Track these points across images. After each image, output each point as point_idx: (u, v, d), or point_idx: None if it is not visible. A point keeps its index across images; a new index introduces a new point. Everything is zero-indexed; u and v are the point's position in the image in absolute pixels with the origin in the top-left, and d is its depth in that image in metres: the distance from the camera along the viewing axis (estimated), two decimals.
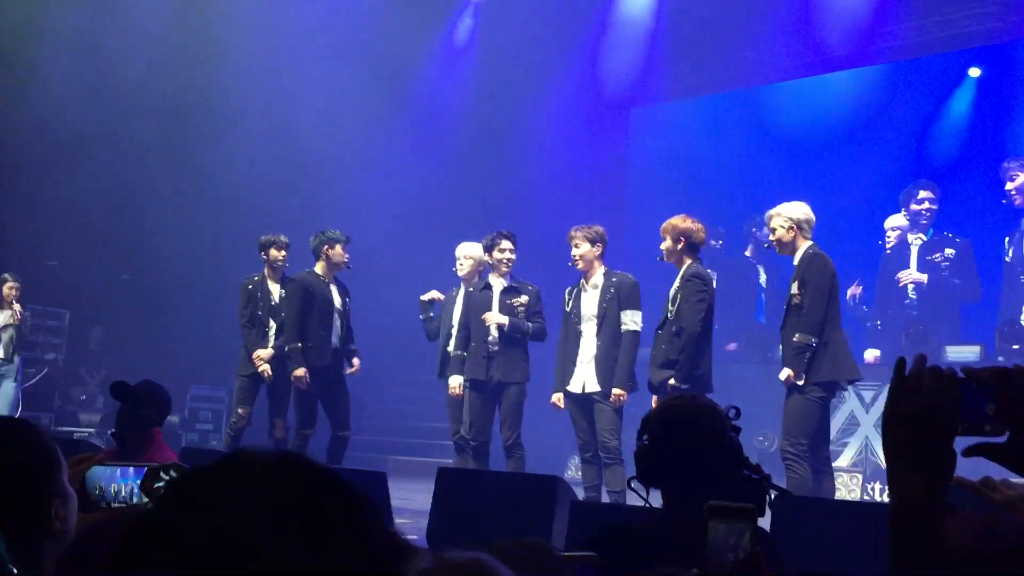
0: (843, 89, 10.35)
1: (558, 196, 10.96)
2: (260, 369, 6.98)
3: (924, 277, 8.89)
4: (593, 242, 6.09)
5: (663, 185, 10.92)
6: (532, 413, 6.60)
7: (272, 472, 0.77)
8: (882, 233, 9.35)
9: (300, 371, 6.64)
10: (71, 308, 9.09)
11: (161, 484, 2.12)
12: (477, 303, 6.47)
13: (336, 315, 6.81)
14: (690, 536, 1.47)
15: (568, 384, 6.13)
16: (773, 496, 2.12)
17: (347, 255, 6.85)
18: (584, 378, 6.06)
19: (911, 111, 10.09)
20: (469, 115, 11.29)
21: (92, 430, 8.92)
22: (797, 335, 5.21)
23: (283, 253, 7.17)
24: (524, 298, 6.45)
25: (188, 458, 5.30)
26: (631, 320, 6.01)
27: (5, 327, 8.56)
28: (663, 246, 5.78)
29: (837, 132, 10.21)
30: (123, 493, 2.24)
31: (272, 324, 7.10)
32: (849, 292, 9.20)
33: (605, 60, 11.48)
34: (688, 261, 5.71)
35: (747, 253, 10.20)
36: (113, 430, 4.75)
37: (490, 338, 6.38)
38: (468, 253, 6.75)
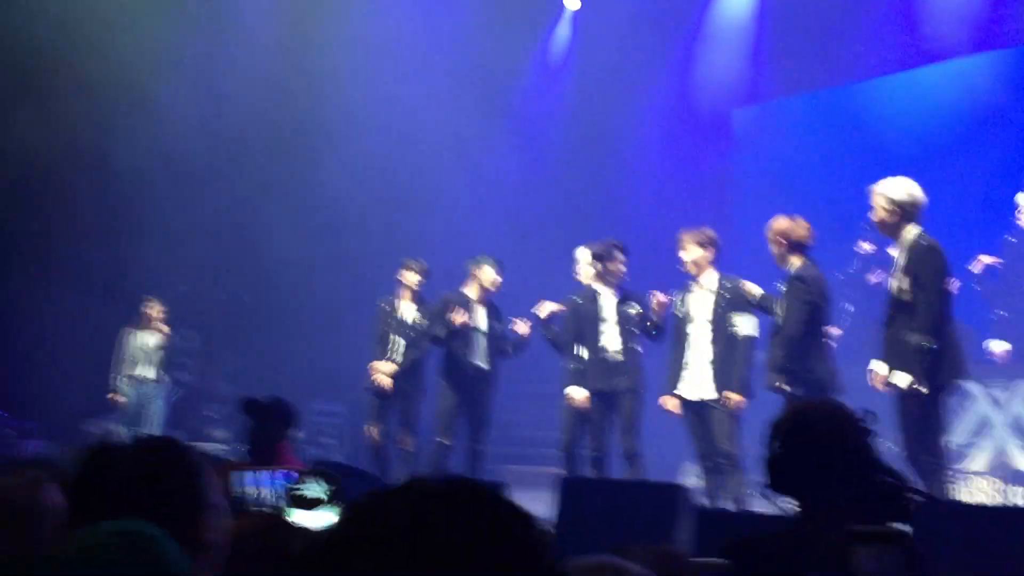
0: (958, 79, 9.91)
1: (663, 202, 10.87)
2: (373, 377, 7.33)
3: None
4: (704, 245, 6.04)
5: (770, 187, 10.71)
6: (646, 420, 6.57)
7: (448, 499, 0.80)
8: (993, 235, 8.88)
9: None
10: (201, 330, 9.52)
11: (307, 490, 2.21)
12: (587, 313, 6.48)
13: (480, 335, 7.06)
14: (827, 545, 1.45)
15: (679, 389, 6.04)
16: (915, 501, 2.06)
17: (499, 278, 7.08)
18: (698, 384, 5.96)
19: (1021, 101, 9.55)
20: (570, 126, 11.31)
21: (225, 446, 9.29)
22: (913, 336, 4.82)
23: (417, 277, 7.45)
24: (637, 307, 6.46)
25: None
26: (741, 323, 5.91)
27: (156, 349, 9.00)
28: (773, 251, 5.69)
29: (953, 125, 9.74)
30: (265, 495, 2.36)
31: (399, 341, 7.38)
32: (979, 266, 8.62)
33: (704, 62, 11.34)
34: (796, 262, 5.57)
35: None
36: (246, 446, 4.96)
37: (609, 348, 6.38)
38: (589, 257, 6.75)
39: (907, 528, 1.68)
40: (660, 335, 6.41)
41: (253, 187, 10.45)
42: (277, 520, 2.11)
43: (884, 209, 5.00)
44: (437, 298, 7.27)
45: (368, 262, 10.12)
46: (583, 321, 6.47)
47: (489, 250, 7.59)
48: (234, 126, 10.29)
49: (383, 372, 7.37)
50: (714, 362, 5.91)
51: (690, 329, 6.07)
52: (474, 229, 9.99)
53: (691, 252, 6.03)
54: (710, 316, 6.00)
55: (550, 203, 10.74)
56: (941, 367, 4.86)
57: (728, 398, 5.80)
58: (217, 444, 9.31)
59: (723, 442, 5.81)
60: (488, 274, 7.10)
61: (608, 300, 6.50)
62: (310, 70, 10.44)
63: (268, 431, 4.81)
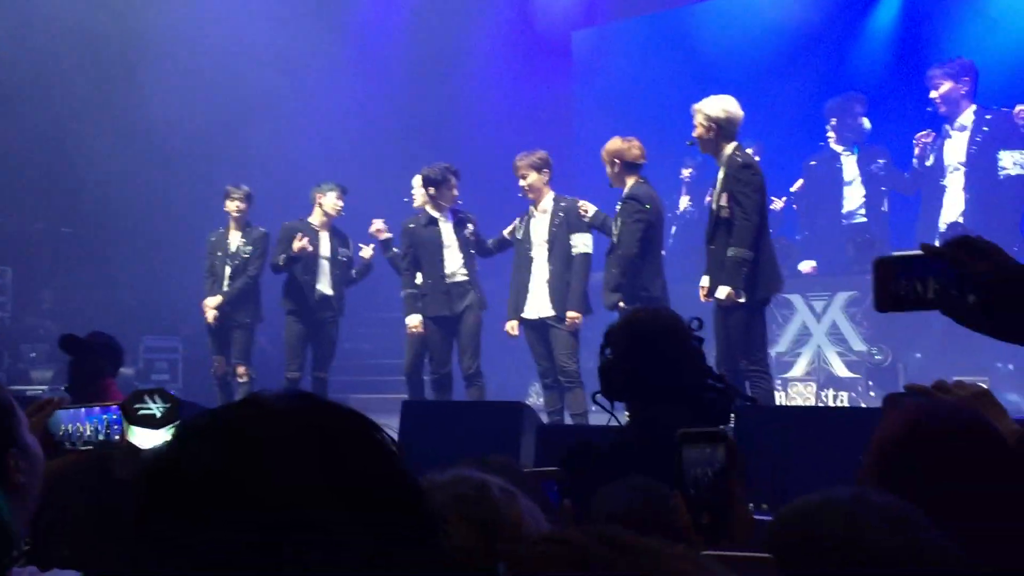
0: (779, 3, 10.27)
1: (502, 124, 10.84)
2: (208, 317, 7.22)
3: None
4: (539, 169, 6.08)
5: (608, 109, 10.84)
6: (489, 342, 6.63)
7: (286, 404, 0.74)
8: (811, 150, 9.43)
9: None
10: (14, 265, 8.83)
11: (144, 408, 2.09)
12: (426, 239, 6.42)
13: (324, 262, 6.94)
14: (658, 450, 1.47)
15: (523, 311, 6.12)
16: (739, 406, 2.14)
17: (340, 203, 6.98)
18: (538, 304, 6.06)
19: (837, 23, 9.99)
20: (408, 47, 11.06)
21: (45, 387, 8.75)
22: (732, 250, 4.95)
23: (236, 204, 7.23)
24: (471, 226, 6.48)
25: None
26: (581, 243, 6.01)
27: None
28: (607, 172, 5.76)
29: (779, 45, 10.12)
30: (87, 432, 2.21)
31: (227, 271, 7.23)
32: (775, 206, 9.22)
33: None
34: (629, 181, 5.66)
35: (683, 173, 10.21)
36: (66, 385, 4.68)
37: (449, 272, 6.37)
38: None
39: (729, 429, 1.73)
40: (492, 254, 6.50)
41: (70, 111, 9.69)
42: (99, 456, 1.99)
43: (702, 126, 5.11)
44: (279, 226, 7.06)
45: (200, 188, 9.64)
46: (421, 247, 6.41)
47: (330, 174, 7.38)
48: (46, 40, 9.46)
49: (209, 306, 7.24)
50: (551, 281, 5.99)
51: (532, 252, 6.12)
52: (312, 153, 9.68)
53: (528, 177, 6.05)
54: (547, 236, 6.06)
55: (390, 126, 10.52)
56: (758, 280, 5.03)
57: (569, 318, 5.91)
58: (37, 386, 8.78)
59: (564, 360, 5.94)
60: (330, 200, 6.95)
61: (446, 225, 6.45)
62: None
63: (90, 368, 4.56)
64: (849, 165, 9.20)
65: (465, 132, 10.47)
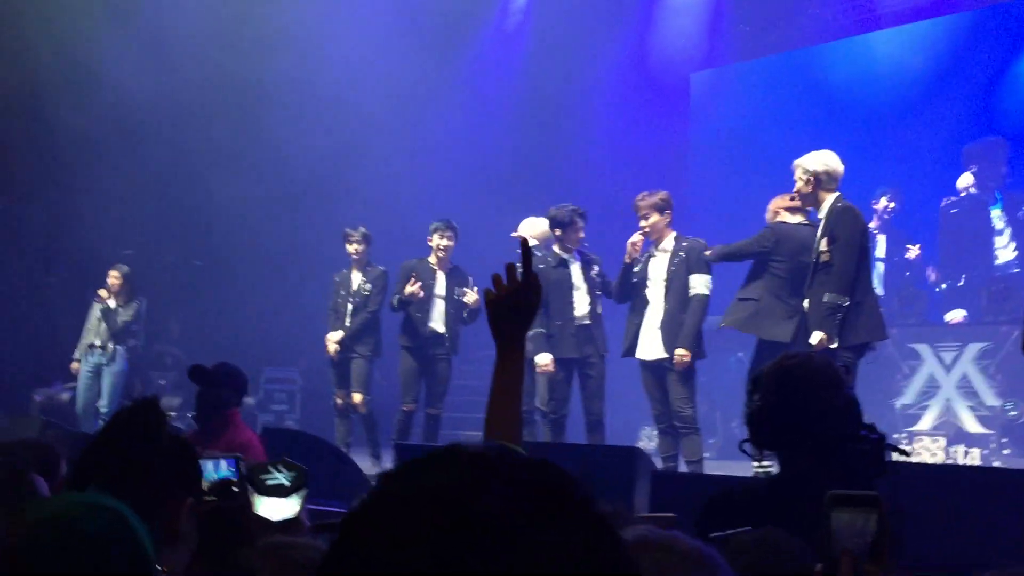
0: (912, 43, 9.92)
1: (620, 167, 10.83)
2: (330, 350, 7.54)
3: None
4: (661, 210, 6.02)
5: (726, 150, 10.73)
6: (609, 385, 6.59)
7: (497, 466, 0.67)
8: (938, 195, 9.02)
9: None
10: (148, 296, 9.29)
11: (272, 478, 2.12)
12: (555, 279, 6.38)
13: (439, 300, 7.12)
14: (806, 500, 1.41)
15: (636, 351, 6.03)
16: (891, 460, 2.03)
17: (445, 242, 7.12)
18: (653, 344, 5.95)
19: (978, 64, 9.56)
20: (526, 90, 11.19)
21: (174, 414, 9.13)
22: (827, 295, 4.93)
23: (354, 247, 7.57)
24: (596, 268, 6.46)
25: (268, 437, 5.41)
26: (700, 284, 5.88)
27: (106, 317, 8.69)
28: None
29: (907, 89, 9.75)
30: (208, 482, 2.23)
31: (349, 308, 7.55)
32: (911, 254, 8.88)
33: (661, 26, 11.27)
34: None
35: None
36: (193, 413, 4.85)
37: (579, 315, 6.35)
38: (534, 231, 6.73)
39: (876, 492, 1.65)
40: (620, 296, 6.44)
41: (200, 149, 10.18)
42: (238, 508, 2.04)
43: (802, 180, 5.22)
44: (397, 265, 7.29)
45: (321, 226, 9.95)
46: (551, 288, 6.42)
47: (444, 213, 7.53)
48: (179, 86, 10.01)
49: (332, 340, 7.54)
50: (665, 321, 5.88)
51: (649, 292, 6.04)
52: (428, 195, 9.88)
53: (651, 218, 5.99)
54: (665, 276, 5.98)
55: (506, 168, 10.63)
56: (855, 326, 4.94)
57: (678, 355, 5.78)
58: (166, 413, 9.14)
59: (680, 404, 5.81)
60: (436, 240, 7.16)
61: (575, 266, 6.46)
62: (257, 29, 10.17)
63: (217, 398, 4.70)
64: (995, 213, 8.72)
65: (580, 174, 10.50)
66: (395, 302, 7.10)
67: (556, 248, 6.48)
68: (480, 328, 7.52)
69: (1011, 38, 9.48)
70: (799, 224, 5.63)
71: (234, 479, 2.09)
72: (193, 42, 9.86)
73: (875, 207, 9.07)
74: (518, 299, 1.68)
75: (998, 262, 8.65)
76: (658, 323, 5.94)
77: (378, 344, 7.56)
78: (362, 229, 7.57)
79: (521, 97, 11.17)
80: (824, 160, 5.20)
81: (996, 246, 8.66)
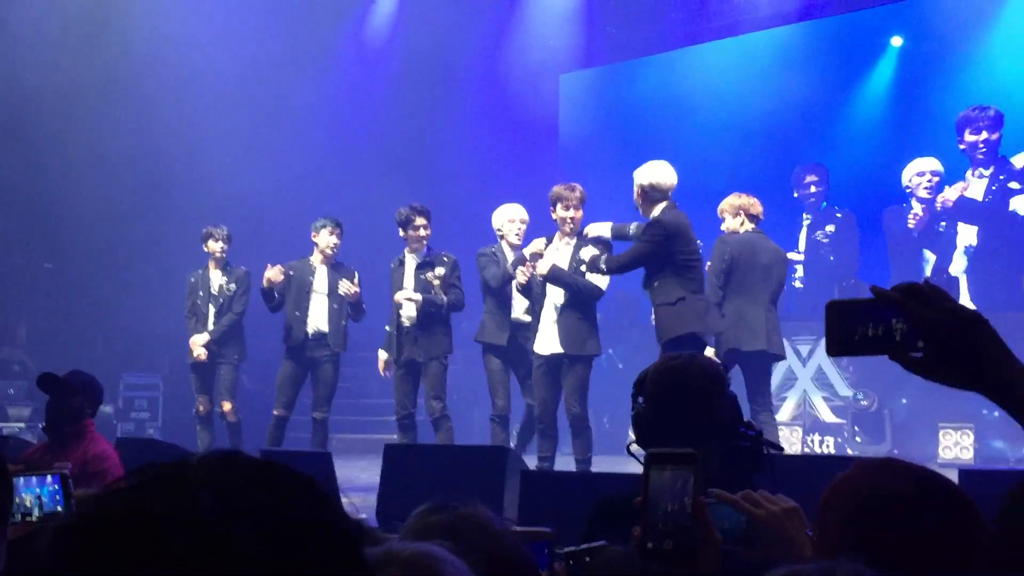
0: (767, 51, 10.26)
1: (490, 165, 10.87)
2: (195, 354, 7.21)
3: (799, 255, 9.37)
4: (582, 207, 5.91)
5: (595, 151, 10.90)
6: (462, 383, 6.55)
7: (211, 469, 0.70)
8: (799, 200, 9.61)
9: None
10: None
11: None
12: (395, 279, 6.39)
13: (321, 298, 6.85)
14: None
15: (535, 346, 5.90)
16: (771, 455, 2.08)
17: (334, 239, 6.85)
18: (550, 339, 5.85)
19: (832, 76, 9.98)
20: (393, 89, 11.09)
21: (22, 424, 8.63)
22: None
23: (220, 245, 7.29)
24: (440, 270, 6.32)
25: (124, 448, 5.15)
26: (601, 281, 5.79)
27: None
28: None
29: (758, 96, 10.06)
30: (26, 503, 2.08)
31: (211, 310, 7.28)
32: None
33: (531, 27, 11.35)
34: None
35: None
36: (43, 424, 4.59)
37: (404, 316, 6.30)
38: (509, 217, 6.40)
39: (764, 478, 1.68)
40: (456, 305, 6.40)
41: (47, 147, 9.64)
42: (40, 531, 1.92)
43: (635, 191, 5.55)
44: (259, 264, 7.03)
45: (181, 227, 9.60)
46: (392, 287, 6.38)
47: (312, 213, 7.35)
48: (24, 81, 9.41)
49: (197, 343, 7.24)
50: (562, 318, 5.80)
51: (548, 287, 5.93)
52: (289, 194, 9.68)
53: (579, 211, 5.84)
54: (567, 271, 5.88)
55: (372, 168, 10.50)
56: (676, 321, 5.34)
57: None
58: (14, 423, 8.64)
59: (571, 400, 5.74)
60: (323, 237, 6.90)
61: (410, 268, 6.39)
62: (108, 22, 9.71)
63: (69, 408, 4.45)
64: (804, 231, 9.50)
65: (449, 173, 10.48)
66: (271, 301, 6.84)
67: (405, 248, 6.45)
68: (361, 326, 7.40)
69: (859, 54, 9.96)
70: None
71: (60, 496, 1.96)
72: (37, 35, 9.33)
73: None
74: None
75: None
76: (554, 317, 5.86)
77: (244, 347, 7.32)
78: (225, 228, 7.32)
79: (389, 95, 11.06)
80: (650, 174, 5.49)
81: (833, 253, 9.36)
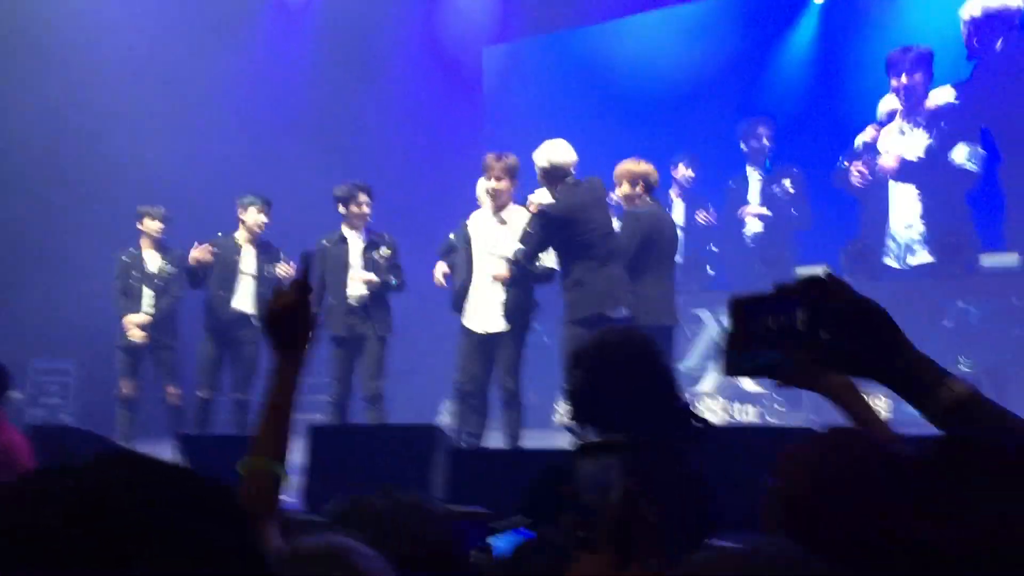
0: (687, 23, 10.35)
1: (415, 141, 10.74)
2: (128, 333, 7.04)
3: (766, 210, 9.35)
4: (513, 176, 5.81)
5: (520, 125, 10.83)
6: (392, 364, 6.49)
7: (91, 475, 0.70)
8: (732, 170, 9.65)
9: None
10: None
11: None
12: (333, 257, 6.27)
13: (244, 277, 6.73)
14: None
15: (466, 319, 5.83)
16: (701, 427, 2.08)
17: (263, 217, 6.76)
18: (487, 317, 5.77)
19: (755, 41, 10.15)
20: (316, 65, 10.84)
21: None
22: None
23: (157, 225, 7.17)
24: (385, 250, 6.29)
25: (36, 436, 4.95)
26: (547, 259, 5.73)
27: None
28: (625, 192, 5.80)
29: (685, 66, 10.18)
30: None
31: (148, 292, 7.14)
32: (700, 218, 9.54)
33: (449, 1, 11.23)
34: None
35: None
36: None
37: (351, 294, 6.21)
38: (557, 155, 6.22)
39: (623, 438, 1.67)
40: (401, 287, 6.32)
41: None
42: None
43: (538, 173, 5.66)
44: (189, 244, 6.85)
45: (96, 206, 9.24)
46: (328, 265, 6.26)
47: (231, 191, 7.17)
48: None
49: (134, 323, 7.05)
50: (509, 295, 5.73)
51: (478, 259, 5.86)
52: (219, 169, 9.39)
53: (504, 182, 5.75)
54: (504, 247, 5.78)
55: (297, 145, 10.26)
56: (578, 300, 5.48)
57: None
58: None
59: (505, 376, 5.70)
60: (252, 215, 6.75)
61: (356, 245, 6.30)
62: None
63: None
64: (754, 186, 9.44)
65: (374, 150, 10.31)
66: (191, 280, 6.71)
67: (343, 225, 6.31)
68: None
69: (782, 16, 10.09)
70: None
71: None
72: None
73: (674, 175, 9.56)
74: (297, 311, 1.64)
75: (746, 232, 9.41)
76: (497, 296, 5.73)
77: (178, 329, 7.21)
78: (162, 208, 7.20)
79: (311, 72, 10.81)
80: (548, 154, 5.59)
81: (741, 215, 9.48)
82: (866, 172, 8.73)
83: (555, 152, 5.57)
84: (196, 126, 9.79)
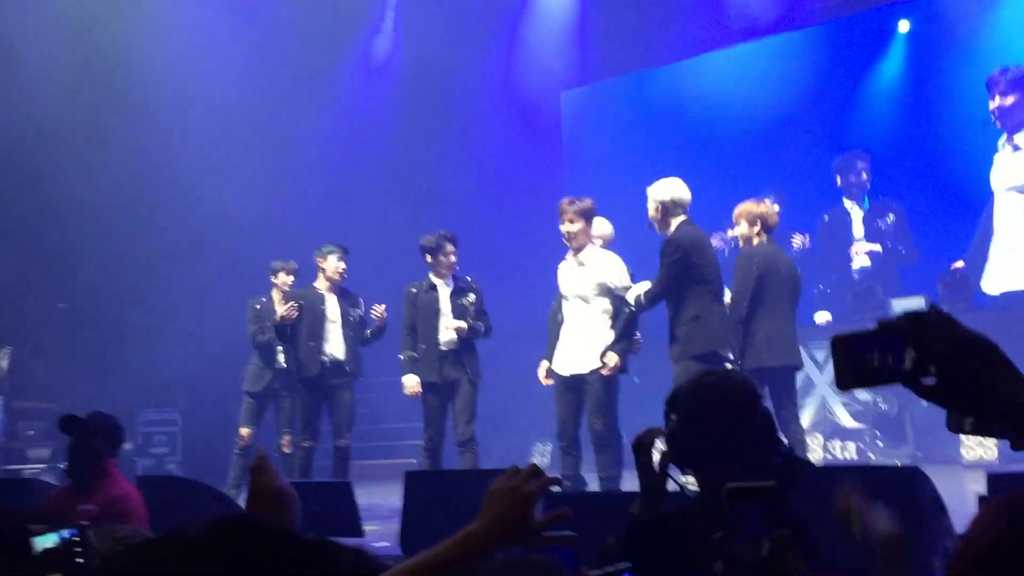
0: (766, 58, 10.32)
1: (495, 187, 10.91)
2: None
3: (878, 246, 9.12)
4: (587, 219, 5.88)
5: (599, 167, 10.92)
6: (483, 408, 6.56)
7: (209, 549, 0.72)
8: (820, 204, 9.49)
9: None
10: (11, 344, 8.79)
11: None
12: (424, 305, 6.41)
13: (332, 325, 6.90)
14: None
15: (554, 362, 5.90)
16: (803, 472, 2.07)
17: (343, 265, 6.95)
18: (572, 360, 5.84)
19: (841, 74, 10.04)
20: (397, 114, 11.16)
21: (43, 466, 8.65)
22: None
23: (291, 277, 7.53)
24: (472, 296, 6.43)
25: (146, 486, 5.16)
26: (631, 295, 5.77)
27: None
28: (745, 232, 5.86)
29: (767, 102, 10.13)
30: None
31: (279, 344, 7.41)
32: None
33: (529, 46, 11.42)
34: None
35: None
36: (65, 466, 4.60)
37: (443, 340, 6.33)
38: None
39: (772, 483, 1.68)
40: (488, 332, 6.41)
41: (55, 182, 9.70)
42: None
43: (651, 208, 5.65)
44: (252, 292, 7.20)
45: (187, 263, 9.64)
46: (417, 312, 6.41)
47: (317, 239, 7.39)
48: (32, 112, 9.49)
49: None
50: (584, 337, 5.80)
51: (568, 304, 5.94)
52: (306, 221, 9.71)
53: (576, 224, 5.82)
54: (587, 291, 5.86)
55: (379, 192, 10.55)
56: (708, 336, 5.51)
57: (608, 362, 5.71)
58: (35, 465, 8.67)
59: (593, 417, 5.72)
60: (332, 263, 6.93)
61: (444, 292, 6.45)
62: (114, 56, 9.79)
63: (90, 448, 4.46)
64: (857, 220, 9.26)
65: (454, 196, 10.52)
66: (273, 330, 6.93)
67: (431, 274, 6.46)
68: (373, 352, 7.44)
69: (867, 48, 9.97)
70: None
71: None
72: (46, 72, 9.41)
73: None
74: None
75: (855, 267, 9.15)
76: (579, 338, 5.82)
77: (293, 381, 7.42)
78: (293, 262, 7.54)
79: (392, 121, 11.13)
80: (670, 190, 5.60)
81: (853, 252, 9.20)
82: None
83: (676, 188, 5.61)
84: (281, 176, 10.16)
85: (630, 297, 5.67)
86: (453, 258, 6.45)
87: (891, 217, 9.12)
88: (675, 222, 5.55)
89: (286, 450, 7.23)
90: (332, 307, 6.91)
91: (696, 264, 5.42)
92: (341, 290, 6.98)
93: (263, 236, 9.35)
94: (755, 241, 5.84)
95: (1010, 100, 8.27)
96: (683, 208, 5.58)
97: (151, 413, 9.77)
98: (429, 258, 6.46)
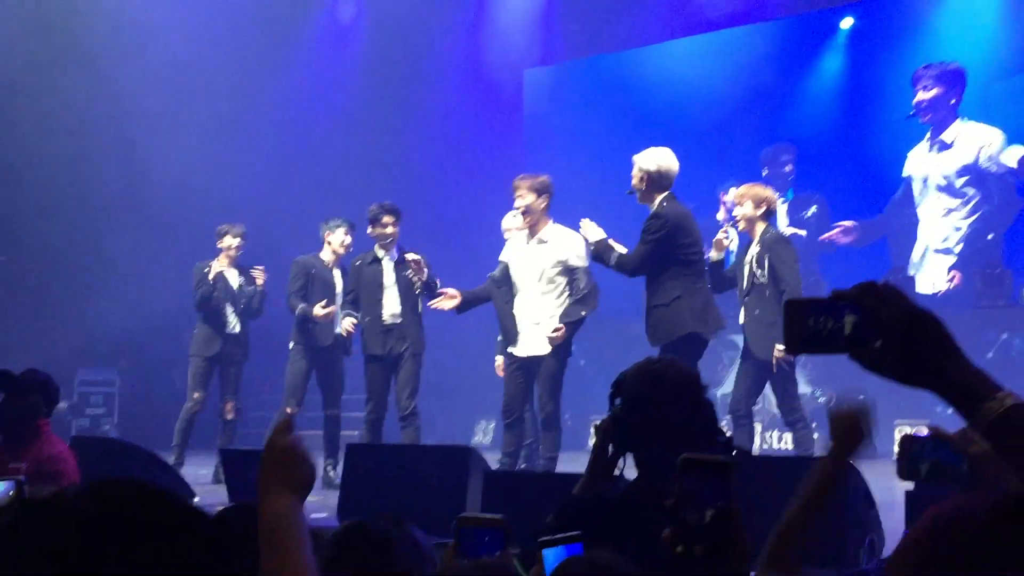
0: (721, 49, 10.35)
1: (455, 162, 10.85)
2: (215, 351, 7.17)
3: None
4: (539, 193, 5.73)
5: (560, 147, 10.91)
6: (427, 384, 6.55)
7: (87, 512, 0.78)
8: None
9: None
10: None
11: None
12: (368, 277, 6.35)
13: (340, 298, 6.79)
14: (662, 502, 1.42)
15: (514, 347, 5.83)
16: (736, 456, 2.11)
17: (349, 239, 6.84)
18: (529, 341, 5.76)
19: (787, 69, 10.11)
20: (358, 88, 11.02)
21: None
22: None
23: (237, 241, 7.25)
24: (413, 255, 6.33)
25: (80, 447, 5.08)
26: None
27: None
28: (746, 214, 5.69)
29: (719, 93, 10.15)
30: None
31: (230, 309, 7.23)
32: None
33: (494, 23, 11.35)
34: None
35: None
36: None
37: (387, 313, 6.29)
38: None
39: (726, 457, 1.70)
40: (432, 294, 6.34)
41: (5, 139, 9.43)
42: None
43: (637, 177, 5.29)
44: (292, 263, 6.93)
45: (137, 221, 9.45)
46: (362, 284, 6.36)
47: (276, 214, 7.30)
48: None
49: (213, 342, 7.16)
50: (541, 316, 5.72)
51: (522, 285, 5.85)
52: (258, 191, 9.58)
53: (526, 198, 5.70)
54: (538, 269, 5.79)
55: (338, 166, 10.42)
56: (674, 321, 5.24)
57: (552, 335, 5.65)
58: None
59: (544, 398, 5.70)
60: (339, 237, 6.84)
61: (388, 265, 6.38)
62: (70, 2, 9.52)
63: (24, 407, 4.37)
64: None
65: (414, 171, 10.44)
66: (297, 311, 6.71)
67: (376, 246, 6.41)
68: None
69: (812, 44, 10.09)
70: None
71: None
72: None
73: (723, 199, 9.56)
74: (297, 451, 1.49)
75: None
76: (539, 319, 5.73)
77: (248, 347, 7.37)
78: (241, 225, 7.27)
79: (353, 89, 10.99)
80: (658, 159, 5.26)
81: None
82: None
83: (664, 158, 5.25)
84: (235, 138, 9.97)
85: (610, 255, 5.29)
86: (391, 229, 6.32)
87: (814, 208, 9.36)
88: (659, 197, 5.21)
89: (229, 416, 7.14)
90: (338, 281, 6.85)
91: (681, 244, 5.13)
92: (340, 265, 6.89)
93: (213, 198, 9.18)
94: (759, 225, 5.70)
95: (932, 94, 8.48)
96: (669, 181, 5.23)
97: (89, 373, 9.59)
98: (370, 229, 6.39)
